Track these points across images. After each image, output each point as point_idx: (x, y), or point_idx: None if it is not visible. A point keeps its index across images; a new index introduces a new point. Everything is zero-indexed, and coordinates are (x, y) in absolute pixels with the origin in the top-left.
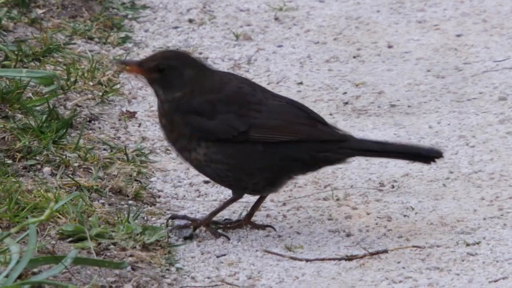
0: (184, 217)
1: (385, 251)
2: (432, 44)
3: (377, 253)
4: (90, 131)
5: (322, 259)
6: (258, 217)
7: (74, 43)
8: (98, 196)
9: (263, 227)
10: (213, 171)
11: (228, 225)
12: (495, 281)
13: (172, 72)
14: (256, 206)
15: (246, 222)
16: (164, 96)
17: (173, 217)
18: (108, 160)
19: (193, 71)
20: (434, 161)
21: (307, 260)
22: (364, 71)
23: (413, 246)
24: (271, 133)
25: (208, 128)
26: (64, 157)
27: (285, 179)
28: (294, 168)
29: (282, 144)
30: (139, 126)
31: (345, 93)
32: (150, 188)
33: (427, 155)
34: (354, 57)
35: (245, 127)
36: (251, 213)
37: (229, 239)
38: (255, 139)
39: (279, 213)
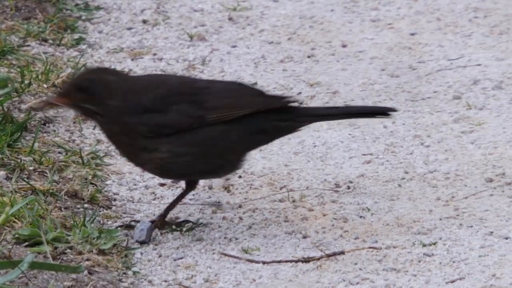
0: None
1: (342, 253)
2: (386, 43)
3: (334, 254)
4: (44, 134)
5: (279, 261)
6: (214, 219)
7: (28, 45)
8: (53, 199)
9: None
10: (178, 166)
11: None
12: (452, 281)
13: (96, 86)
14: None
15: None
16: (102, 109)
17: (130, 226)
18: (63, 163)
19: (115, 77)
20: (389, 115)
21: (264, 263)
22: (318, 70)
23: (370, 247)
24: (226, 111)
25: (165, 121)
26: (19, 160)
27: (247, 155)
28: (256, 141)
29: (240, 119)
30: (93, 129)
31: (299, 93)
32: (106, 191)
33: (379, 112)
34: (308, 56)
35: (200, 111)
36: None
37: (193, 223)
38: (213, 121)
39: (235, 215)
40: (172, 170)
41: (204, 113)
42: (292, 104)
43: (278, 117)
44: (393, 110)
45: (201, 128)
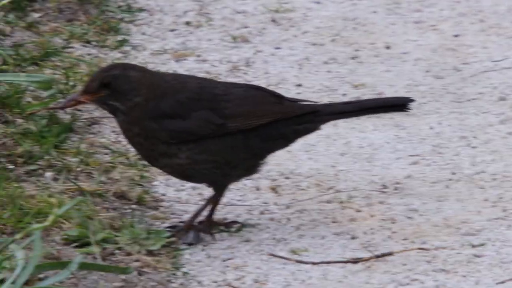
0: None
1: (391, 254)
2: (430, 44)
3: (383, 255)
4: (91, 135)
5: (328, 262)
6: (262, 220)
7: (72, 47)
8: (101, 200)
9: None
10: (197, 172)
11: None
12: (502, 282)
13: (119, 81)
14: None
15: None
16: (124, 107)
17: (173, 226)
18: (110, 164)
19: (138, 73)
20: (408, 108)
21: (313, 263)
22: (362, 72)
23: (419, 248)
24: (247, 120)
25: (186, 128)
26: (66, 161)
27: (266, 159)
28: (276, 146)
29: (261, 128)
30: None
31: (344, 94)
32: (153, 192)
33: (397, 104)
34: (352, 58)
35: (221, 119)
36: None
37: (241, 223)
38: (233, 129)
39: (283, 216)
40: (191, 176)
41: (224, 121)
42: (310, 103)
43: (297, 121)
44: (411, 100)
45: (222, 137)
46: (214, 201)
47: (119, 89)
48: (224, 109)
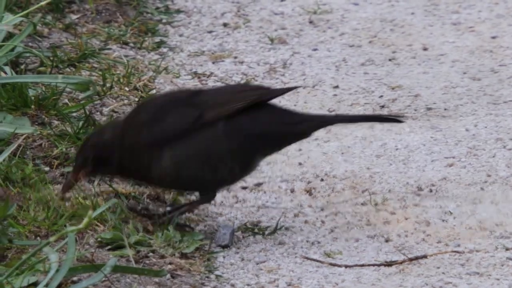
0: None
1: (424, 256)
2: (468, 46)
3: (416, 258)
4: None
5: (362, 265)
6: (296, 223)
7: (109, 48)
8: (136, 203)
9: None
10: (186, 173)
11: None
12: None
13: (97, 150)
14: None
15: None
16: (114, 161)
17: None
18: None
19: (109, 132)
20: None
21: (346, 266)
22: (399, 74)
23: (452, 251)
24: (224, 107)
25: (164, 126)
26: None
27: (258, 158)
28: (263, 145)
29: (241, 117)
30: None
31: (381, 96)
32: (187, 194)
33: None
34: (389, 60)
35: (197, 112)
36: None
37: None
38: (212, 119)
39: (317, 218)
40: (181, 181)
41: (202, 113)
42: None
43: (281, 119)
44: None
45: (201, 129)
46: (193, 204)
47: (101, 160)
48: (202, 103)
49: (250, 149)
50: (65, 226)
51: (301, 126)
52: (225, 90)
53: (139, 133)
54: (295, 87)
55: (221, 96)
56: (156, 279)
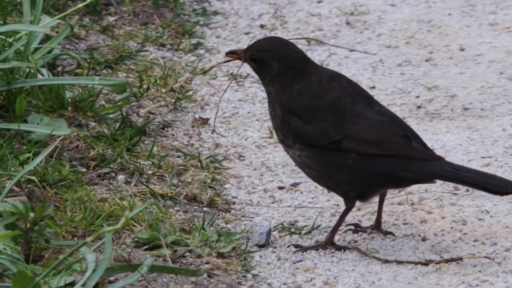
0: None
1: (460, 259)
2: (505, 46)
3: (452, 260)
4: (163, 138)
5: (400, 262)
6: (332, 222)
7: (146, 50)
8: (172, 203)
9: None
10: (307, 174)
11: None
12: None
13: (263, 65)
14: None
15: (375, 228)
16: (263, 86)
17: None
18: (182, 167)
19: (280, 66)
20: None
21: (384, 261)
22: (436, 74)
23: (486, 257)
24: (363, 146)
25: (303, 131)
26: (138, 164)
27: (375, 192)
28: (382, 182)
29: (373, 157)
30: (212, 133)
31: (418, 96)
32: (225, 194)
33: (495, 191)
34: (426, 60)
35: (339, 136)
36: (379, 220)
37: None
38: (347, 149)
39: (353, 218)
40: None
41: (342, 139)
42: (434, 154)
43: (405, 166)
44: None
45: (333, 151)
46: (341, 215)
47: (262, 71)
48: (347, 129)
49: (368, 183)
50: (102, 226)
51: (416, 176)
52: (375, 127)
53: (288, 114)
54: (436, 156)
55: (367, 132)
56: (193, 279)
